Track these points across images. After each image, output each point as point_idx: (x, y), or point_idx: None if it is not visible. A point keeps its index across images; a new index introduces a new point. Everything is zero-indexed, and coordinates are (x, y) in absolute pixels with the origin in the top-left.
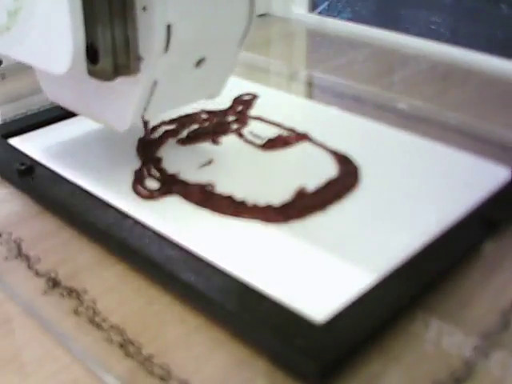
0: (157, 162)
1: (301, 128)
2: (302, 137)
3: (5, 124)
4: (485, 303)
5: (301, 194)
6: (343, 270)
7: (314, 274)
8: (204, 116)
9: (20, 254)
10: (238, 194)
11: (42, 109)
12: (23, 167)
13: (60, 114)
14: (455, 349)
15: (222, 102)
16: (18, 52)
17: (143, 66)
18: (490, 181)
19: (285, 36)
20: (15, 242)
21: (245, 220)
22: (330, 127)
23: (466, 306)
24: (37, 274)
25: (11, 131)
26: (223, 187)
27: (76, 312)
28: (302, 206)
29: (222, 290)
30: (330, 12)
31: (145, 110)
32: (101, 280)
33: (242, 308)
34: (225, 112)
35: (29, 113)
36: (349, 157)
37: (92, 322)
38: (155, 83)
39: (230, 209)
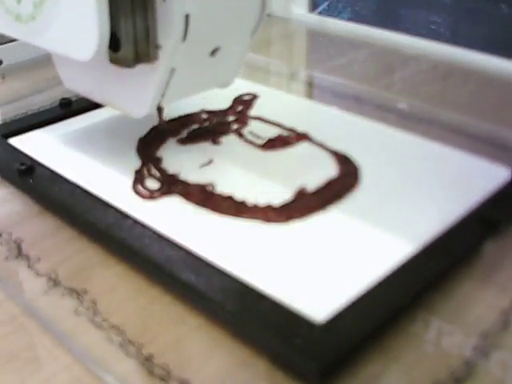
0: (157, 162)
1: (301, 128)
2: (302, 137)
3: (5, 124)
4: (485, 303)
5: (301, 194)
6: (343, 269)
7: (314, 274)
8: (204, 116)
9: (20, 253)
10: (238, 194)
11: (41, 109)
12: (23, 167)
13: (60, 114)
14: (455, 349)
15: (221, 101)
16: (43, 40)
17: (162, 53)
18: (489, 181)
19: (285, 36)
20: (15, 241)
21: (245, 220)
22: (329, 127)
23: (466, 306)
24: (37, 274)
25: (11, 131)
26: (223, 187)
27: (76, 312)
28: (302, 205)
29: (222, 290)
30: (330, 12)
31: (162, 96)
32: (101, 280)
33: (242, 308)
34: (225, 112)
35: (29, 113)
36: (349, 157)
37: (92, 321)
38: (173, 71)
39: (230, 209)
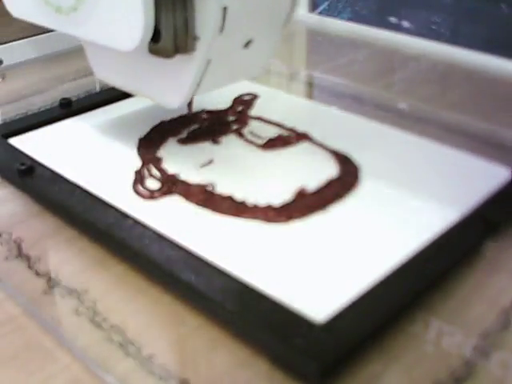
0: (157, 162)
1: (301, 128)
2: (302, 137)
3: (5, 124)
4: (485, 303)
5: (301, 194)
6: (343, 269)
7: (314, 274)
8: (204, 116)
9: (20, 253)
10: (239, 194)
11: (42, 109)
12: (23, 167)
13: (60, 114)
14: (455, 349)
15: (222, 101)
16: (85, 32)
17: (199, 45)
18: (489, 181)
19: (285, 36)
20: (15, 241)
21: (245, 220)
22: (330, 127)
23: (466, 306)
24: (37, 274)
25: (11, 131)
26: (223, 187)
27: (76, 312)
28: (303, 205)
29: (222, 290)
30: (330, 12)
31: (197, 87)
32: (101, 280)
33: (242, 308)
34: (225, 112)
35: (29, 113)
36: (349, 157)
37: (92, 321)
38: (208, 62)
39: (230, 209)
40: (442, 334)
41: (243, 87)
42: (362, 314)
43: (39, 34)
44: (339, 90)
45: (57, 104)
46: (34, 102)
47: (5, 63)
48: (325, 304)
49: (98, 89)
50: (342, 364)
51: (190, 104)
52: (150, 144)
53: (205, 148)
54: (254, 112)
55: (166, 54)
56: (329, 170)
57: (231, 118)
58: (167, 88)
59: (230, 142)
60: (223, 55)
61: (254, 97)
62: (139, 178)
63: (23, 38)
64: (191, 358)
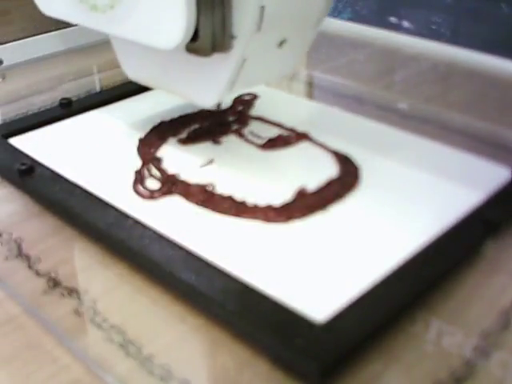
0: (157, 162)
1: (301, 128)
2: (302, 137)
3: (5, 124)
4: (485, 303)
5: (301, 194)
6: (343, 269)
7: (314, 274)
8: (204, 116)
9: (20, 253)
10: (239, 194)
11: (42, 109)
12: (23, 167)
13: (60, 114)
14: (455, 349)
15: (222, 101)
16: (122, 30)
17: (236, 44)
18: (490, 181)
19: None
20: (15, 241)
21: (245, 220)
22: (329, 127)
23: (466, 306)
24: (37, 273)
25: (11, 131)
26: (223, 187)
27: (76, 312)
28: (303, 206)
29: (222, 290)
30: (330, 12)
31: (231, 86)
32: (101, 280)
33: (243, 308)
34: (225, 112)
35: (29, 113)
36: (349, 157)
37: (92, 321)
38: (244, 61)
39: (230, 209)
40: (442, 334)
41: None
42: (362, 314)
43: (39, 34)
44: (339, 90)
45: (57, 104)
46: (33, 102)
47: (5, 63)
48: (325, 304)
49: (98, 89)
50: (342, 364)
51: (218, 105)
52: (149, 144)
53: (205, 148)
54: (254, 112)
55: (204, 52)
56: (329, 170)
57: (231, 118)
58: (202, 86)
59: (230, 142)
60: (258, 54)
61: (254, 97)
62: (139, 178)
63: (23, 38)
64: (191, 358)
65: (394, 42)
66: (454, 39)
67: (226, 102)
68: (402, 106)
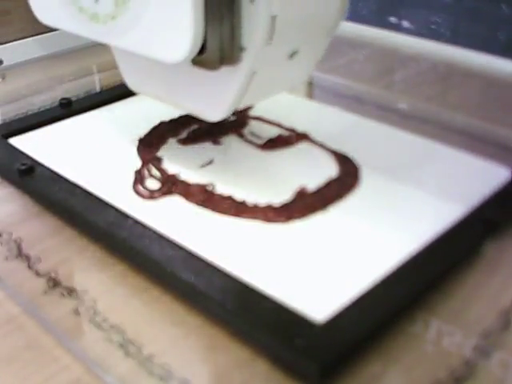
0: (157, 162)
1: (301, 128)
2: (301, 137)
3: (5, 124)
4: (485, 303)
5: (301, 194)
6: (343, 269)
7: (314, 274)
8: None
9: (20, 253)
10: (239, 194)
11: (42, 109)
12: (23, 167)
13: (60, 114)
14: (455, 349)
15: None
16: (124, 42)
17: (245, 56)
18: (490, 181)
19: None
20: (15, 241)
21: (245, 220)
22: (329, 127)
23: (466, 306)
24: (37, 273)
25: (11, 131)
26: (223, 187)
27: (76, 312)
28: (302, 206)
29: (222, 290)
30: None
31: (240, 99)
32: (101, 280)
33: (242, 308)
34: None
35: (29, 113)
36: (349, 157)
37: (92, 321)
38: (253, 74)
39: (230, 209)
40: (442, 334)
41: None
42: (362, 314)
43: (39, 34)
44: (339, 90)
45: (57, 104)
46: (33, 102)
47: (5, 63)
48: (325, 304)
49: (98, 89)
50: (341, 364)
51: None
52: (150, 144)
53: (205, 148)
54: (253, 112)
55: (211, 65)
56: (329, 170)
57: (231, 118)
58: (208, 101)
59: (230, 142)
60: (268, 67)
61: None
62: (139, 178)
63: (23, 38)
64: (191, 358)
65: (393, 42)
66: (454, 39)
67: None
68: (402, 105)
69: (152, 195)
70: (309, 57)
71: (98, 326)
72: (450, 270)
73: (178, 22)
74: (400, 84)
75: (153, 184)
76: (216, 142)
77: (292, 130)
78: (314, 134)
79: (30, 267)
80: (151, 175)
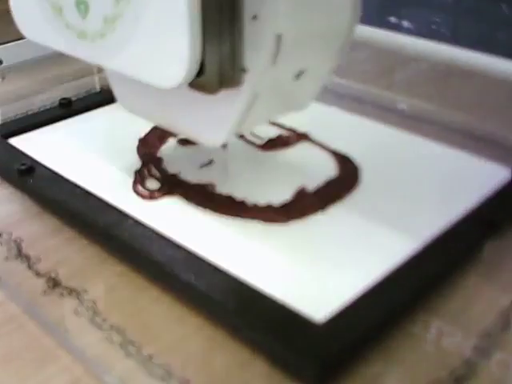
0: (157, 162)
1: (301, 128)
2: (301, 137)
3: (5, 124)
4: (485, 303)
5: (301, 194)
6: (343, 269)
7: (314, 274)
8: None
9: (20, 253)
10: (238, 194)
11: (42, 109)
12: (23, 167)
13: (60, 114)
14: (455, 349)
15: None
16: (114, 63)
17: (247, 77)
18: (490, 181)
19: None
20: (15, 241)
21: (245, 220)
22: (330, 127)
23: (466, 306)
24: (37, 273)
25: (11, 131)
26: (223, 187)
27: (76, 312)
28: (302, 205)
29: (222, 290)
30: None
31: (241, 124)
32: (101, 280)
33: (242, 308)
34: None
35: (29, 113)
36: (349, 157)
37: (92, 321)
38: (256, 96)
39: (230, 209)
40: (442, 334)
41: None
42: (362, 314)
43: None
44: (339, 90)
45: (57, 104)
46: (34, 102)
47: (5, 63)
48: (325, 304)
49: (98, 89)
50: (341, 364)
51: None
52: (150, 144)
53: (205, 148)
54: None
55: (210, 89)
56: (329, 170)
57: None
58: (207, 125)
59: (230, 142)
60: (272, 88)
61: None
62: (139, 178)
63: (23, 38)
64: (191, 358)
65: (393, 42)
66: (454, 39)
67: None
68: (402, 106)
69: (152, 195)
70: (317, 75)
71: (98, 326)
72: (450, 270)
73: (172, 43)
74: (400, 84)
75: (153, 184)
76: None
77: (292, 130)
78: (313, 134)
79: (29, 267)
80: (151, 175)
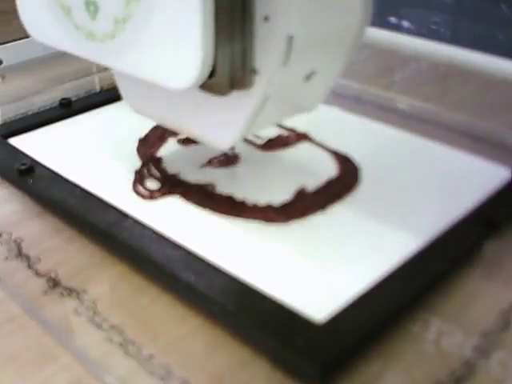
0: (157, 162)
1: (301, 128)
2: (301, 137)
3: (5, 124)
4: (485, 303)
5: (301, 194)
6: (343, 270)
7: (314, 274)
8: None
9: (20, 253)
10: (238, 194)
11: (42, 109)
12: (23, 167)
13: (60, 114)
14: (455, 349)
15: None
16: (124, 64)
17: (258, 79)
18: (490, 181)
19: None
20: (15, 241)
21: (245, 220)
22: (330, 127)
23: (466, 306)
24: (37, 274)
25: (11, 131)
26: (223, 187)
27: (76, 312)
28: (302, 206)
29: (222, 290)
30: None
31: (251, 125)
32: (101, 280)
33: (242, 308)
34: None
35: (29, 113)
36: (349, 157)
37: (92, 321)
38: (267, 98)
39: (230, 209)
40: (442, 334)
41: None
42: (362, 314)
43: None
44: (339, 90)
45: (57, 104)
46: (34, 102)
47: (5, 63)
48: (325, 304)
49: (98, 89)
50: (341, 364)
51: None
52: (149, 144)
53: (205, 148)
54: None
55: (221, 90)
56: (329, 170)
57: None
58: (217, 127)
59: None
60: (282, 90)
61: None
62: (139, 178)
63: (23, 38)
64: (191, 358)
65: (393, 42)
66: (454, 39)
67: None
68: (402, 106)
69: (152, 195)
70: (326, 77)
71: (98, 326)
72: (450, 269)
73: (184, 44)
74: (400, 84)
75: (153, 184)
76: None
77: (292, 130)
78: (313, 134)
79: (29, 267)
80: (151, 175)
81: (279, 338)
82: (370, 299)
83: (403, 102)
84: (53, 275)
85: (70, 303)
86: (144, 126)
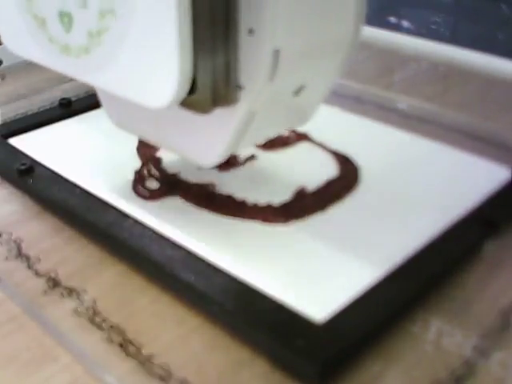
0: (157, 162)
1: (300, 128)
2: (301, 137)
3: (5, 124)
4: (485, 303)
5: (301, 194)
6: (343, 270)
7: (314, 274)
8: None
9: (20, 253)
10: (238, 194)
11: (41, 109)
12: (23, 167)
13: (60, 114)
14: (455, 349)
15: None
16: (100, 80)
17: (243, 95)
18: (490, 181)
19: None
20: (15, 241)
21: (245, 220)
22: (329, 127)
23: (466, 306)
24: (37, 274)
25: (11, 131)
26: (223, 187)
27: (76, 312)
28: (302, 206)
29: (221, 290)
30: None
31: (237, 143)
32: (101, 280)
33: (242, 308)
34: None
35: (29, 113)
36: (349, 157)
37: (92, 321)
38: (253, 115)
39: (230, 209)
40: (442, 334)
41: None
42: (362, 314)
43: None
44: (339, 90)
45: (57, 104)
46: (33, 102)
47: (5, 63)
48: (325, 304)
49: None
50: (341, 364)
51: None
52: (149, 144)
53: None
54: None
55: (202, 108)
56: (329, 170)
57: None
58: (201, 145)
59: None
60: (269, 106)
61: None
62: (139, 178)
63: None
64: (191, 358)
65: (393, 42)
66: (454, 39)
67: None
68: (402, 106)
69: (152, 195)
70: (317, 90)
71: (98, 325)
72: (450, 269)
73: (160, 59)
74: (400, 84)
75: (153, 184)
76: None
77: (292, 130)
78: (313, 134)
79: (29, 267)
80: (151, 175)
81: (279, 337)
82: (370, 299)
83: (403, 102)
84: (53, 275)
85: (70, 303)
86: None
